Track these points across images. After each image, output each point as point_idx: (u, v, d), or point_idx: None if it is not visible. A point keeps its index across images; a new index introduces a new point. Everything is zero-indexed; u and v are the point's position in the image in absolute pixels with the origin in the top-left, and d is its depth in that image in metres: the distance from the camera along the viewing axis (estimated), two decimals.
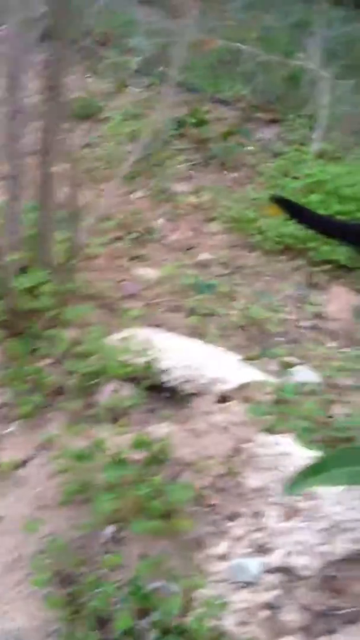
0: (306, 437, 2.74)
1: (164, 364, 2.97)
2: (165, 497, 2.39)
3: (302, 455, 2.52)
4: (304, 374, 3.19)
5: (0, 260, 3.07)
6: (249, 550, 2.32)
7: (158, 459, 2.55)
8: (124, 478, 2.42)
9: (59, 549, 2.29)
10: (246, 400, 2.91)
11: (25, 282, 3.02)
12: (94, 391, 2.85)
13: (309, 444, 2.67)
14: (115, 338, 3.07)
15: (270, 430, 2.75)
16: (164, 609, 2.12)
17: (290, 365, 3.25)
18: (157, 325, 3.33)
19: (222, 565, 2.28)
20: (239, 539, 2.35)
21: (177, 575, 2.23)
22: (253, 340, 3.42)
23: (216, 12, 6.54)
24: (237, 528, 2.38)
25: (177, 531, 2.34)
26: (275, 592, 2.22)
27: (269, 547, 2.32)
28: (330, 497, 2.40)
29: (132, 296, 3.54)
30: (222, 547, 2.33)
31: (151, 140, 4.66)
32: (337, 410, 2.99)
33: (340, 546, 2.30)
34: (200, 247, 4.16)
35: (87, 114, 5.32)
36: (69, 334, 3.04)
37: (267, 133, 5.52)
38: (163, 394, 2.92)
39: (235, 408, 2.85)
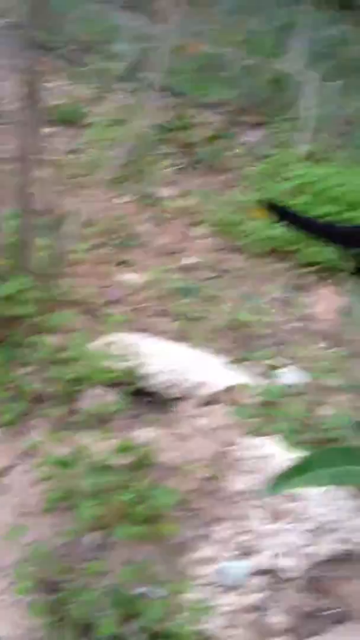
0: (292, 438, 2.74)
1: (149, 369, 2.96)
2: (150, 502, 2.38)
3: (287, 457, 2.52)
4: (291, 376, 3.18)
5: None
6: (235, 553, 2.32)
7: (142, 464, 2.54)
8: (107, 484, 2.41)
9: (43, 557, 2.27)
10: (232, 403, 2.91)
11: (6, 289, 3.00)
12: (77, 397, 2.84)
13: (295, 445, 2.67)
14: (99, 344, 3.06)
15: (256, 432, 2.75)
16: (149, 614, 2.11)
17: (277, 367, 3.24)
18: (143, 330, 3.31)
19: (208, 569, 2.28)
20: (224, 542, 2.35)
21: (162, 580, 2.22)
22: (239, 343, 3.40)
23: (201, 16, 6.55)
24: (222, 531, 2.38)
25: (162, 536, 2.34)
26: (262, 595, 2.22)
27: (254, 550, 2.31)
28: (315, 498, 2.40)
29: (117, 301, 3.53)
30: (207, 550, 2.33)
31: (136, 145, 4.66)
32: (325, 411, 2.99)
33: (326, 547, 2.31)
34: (186, 251, 4.14)
35: (72, 120, 5.32)
36: (52, 340, 3.02)
37: (253, 136, 5.52)
38: (148, 398, 2.91)
39: (221, 411, 2.84)
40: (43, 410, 2.80)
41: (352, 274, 3.65)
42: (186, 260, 4.04)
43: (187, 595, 2.18)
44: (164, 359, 3.03)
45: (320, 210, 4.16)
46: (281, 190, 4.45)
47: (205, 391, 2.92)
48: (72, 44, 6.34)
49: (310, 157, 5.06)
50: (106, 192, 4.42)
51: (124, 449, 2.56)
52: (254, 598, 2.21)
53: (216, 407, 2.85)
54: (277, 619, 2.17)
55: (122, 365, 2.93)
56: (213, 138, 5.35)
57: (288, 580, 2.25)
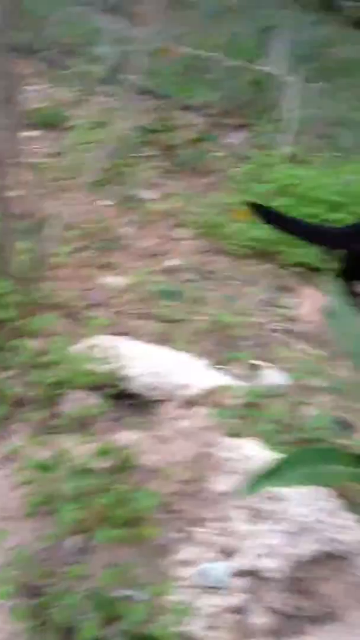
0: (274, 439, 2.74)
1: (131, 372, 2.95)
2: (131, 505, 2.37)
3: (267, 458, 2.50)
4: (273, 377, 3.18)
5: None
6: (217, 554, 2.31)
7: (124, 466, 2.54)
8: (88, 487, 2.40)
9: (24, 561, 2.26)
10: (214, 405, 2.90)
11: None
12: (59, 401, 2.83)
13: (277, 446, 2.67)
14: (81, 347, 3.05)
15: (237, 434, 2.75)
16: (131, 616, 2.10)
17: (259, 368, 3.24)
18: (125, 333, 3.31)
19: (190, 571, 2.27)
20: (206, 543, 2.34)
21: (144, 582, 2.21)
22: (222, 345, 3.40)
23: (183, 19, 6.56)
24: (204, 533, 2.37)
25: (143, 538, 2.33)
26: (244, 596, 2.22)
27: (236, 551, 2.31)
28: (297, 498, 2.40)
29: (99, 304, 3.52)
30: (189, 552, 2.32)
31: (118, 148, 4.66)
32: (307, 411, 2.99)
33: (307, 547, 2.31)
34: (169, 253, 4.14)
35: (53, 123, 5.32)
36: (33, 344, 3.02)
37: (236, 138, 5.53)
38: (130, 401, 2.90)
39: (203, 413, 2.84)
40: (24, 414, 2.79)
41: (336, 275, 3.67)
42: (169, 263, 4.03)
43: (169, 597, 2.17)
44: (146, 361, 3.03)
45: (303, 212, 4.17)
46: (264, 192, 4.46)
47: (187, 393, 2.92)
48: (54, 47, 6.34)
49: (292, 158, 5.08)
50: (88, 195, 4.41)
51: (105, 452, 2.55)
52: (236, 599, 2.20)
53: (198, 409, 2.85)
54: (259, 619, 2.17)
55: (104, 368, 2.92)
56: (196, 140, 5.36)
57: (270, 581, 2.24)
